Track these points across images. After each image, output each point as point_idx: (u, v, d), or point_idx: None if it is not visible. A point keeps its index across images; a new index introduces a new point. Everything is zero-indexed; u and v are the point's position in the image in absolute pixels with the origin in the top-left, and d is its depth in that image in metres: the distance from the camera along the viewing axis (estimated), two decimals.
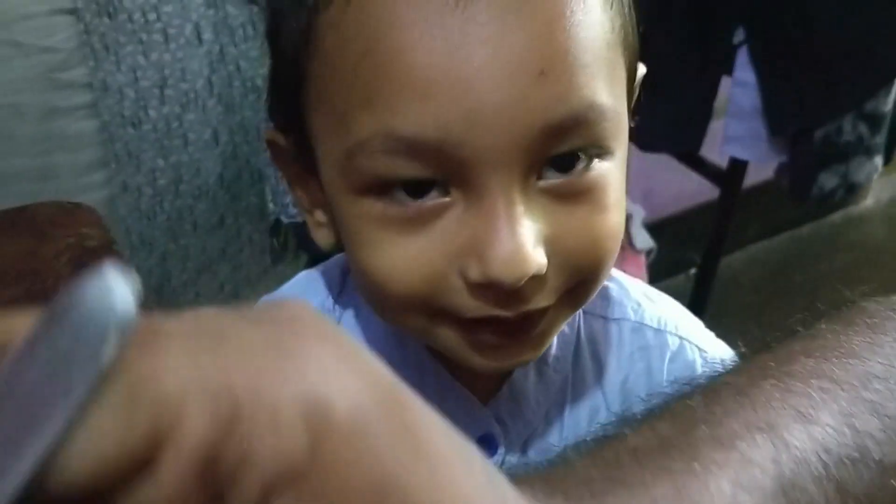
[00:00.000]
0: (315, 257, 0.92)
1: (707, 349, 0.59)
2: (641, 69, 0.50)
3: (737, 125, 1.35)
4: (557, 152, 0.40)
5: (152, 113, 0.94)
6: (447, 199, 0.41)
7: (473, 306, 0.42)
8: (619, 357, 0.59)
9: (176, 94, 0.94)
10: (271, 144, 0.52)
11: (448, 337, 0.45)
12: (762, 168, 1.52)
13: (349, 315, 0.57)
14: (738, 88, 1.33)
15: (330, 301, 0.59)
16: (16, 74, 0.84)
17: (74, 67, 0.87)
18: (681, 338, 0.59)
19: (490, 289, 0.40)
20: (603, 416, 0.58)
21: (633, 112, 0.52)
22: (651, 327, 0.58)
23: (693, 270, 1.74)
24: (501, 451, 0.55)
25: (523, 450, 0.56)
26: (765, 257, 2.27)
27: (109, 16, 0.87)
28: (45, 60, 0.85)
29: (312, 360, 0.16)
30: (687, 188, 1.78)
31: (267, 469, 0.15)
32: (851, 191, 1.38)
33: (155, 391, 0.15)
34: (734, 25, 1.31)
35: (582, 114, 0.40)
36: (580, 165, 0.41)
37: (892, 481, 0.24)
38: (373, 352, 0.44)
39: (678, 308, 0.62)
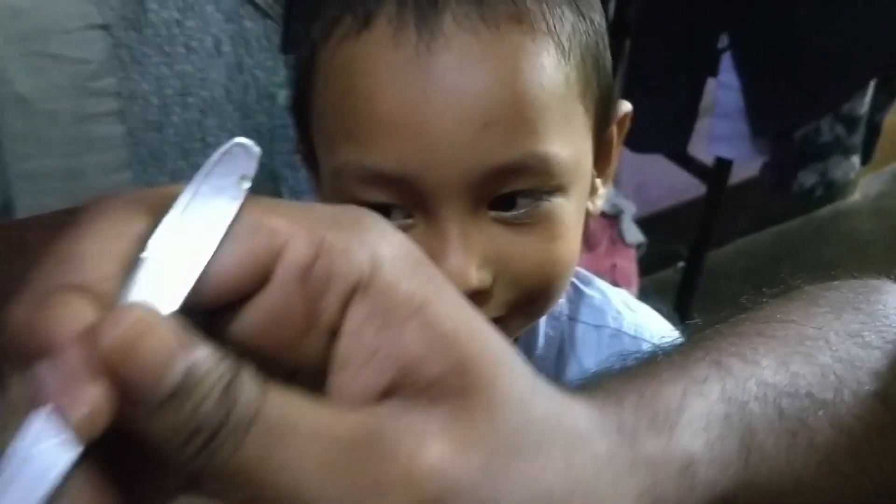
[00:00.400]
0: None
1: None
2: (626, 106, 0.54)
3: (722, 125, 1.41)
4: (502, 192, 0.45)
5: (175, 118, 0.99)
6: (410, 221, 0.46)
7: None
8: (597, 358, 0.63)
9: (196, 101, 1.00)
10: (298, 150, 0.57)
11: None
12: (751, 164, 1.55)
13: None
14: (723, 91, 1.38)
15: None
16: (52, 83, 0.90)
17: (104, 77, 0.93)
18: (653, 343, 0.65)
19: None
20: None
21: (625, 141, 0.57)
22: (628, 334, 0.63)
23: (681, 263, 1.76)
24: None
25: None
26: (754, 250, 2.29)
27: (137, 30, 0.93)
28: (78, 71, 0.91)
29: (372, 229, 0.23)
30: (677, 184, 1.82)
31: (344, 281, 0.22)
32: (830, 188, 1.43)
33: (270, 225, 0.22)
34: (719, 32, 1.35)
35: (521, 162, 0.45)
36: (522, 205, 0.46)
37: (820, 412, 0.30)
38: None
39: (654, 317, 0.67)
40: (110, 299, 0.20)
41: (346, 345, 0.22)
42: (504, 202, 0.46)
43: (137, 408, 0.19)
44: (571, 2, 0.47)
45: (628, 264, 1.60)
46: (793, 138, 1.38)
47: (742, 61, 1.36)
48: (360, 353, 0.22)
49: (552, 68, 0.45)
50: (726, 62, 1.37)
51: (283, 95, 1.02)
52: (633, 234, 1.63)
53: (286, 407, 0.21)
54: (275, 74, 1.04)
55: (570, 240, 0.50)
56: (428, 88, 0.43)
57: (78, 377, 0.18)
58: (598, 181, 0.55)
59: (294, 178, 1.09)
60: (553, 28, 0.45)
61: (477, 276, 0.45)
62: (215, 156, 0.23)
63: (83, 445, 0.18)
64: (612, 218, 1.62)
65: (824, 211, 2.41)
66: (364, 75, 0.44)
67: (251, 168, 0.22)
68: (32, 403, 0.19)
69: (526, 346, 0.61)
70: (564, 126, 0.46)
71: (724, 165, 1.52)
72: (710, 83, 1.42)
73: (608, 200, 1.63)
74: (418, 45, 0.43)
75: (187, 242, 0.21)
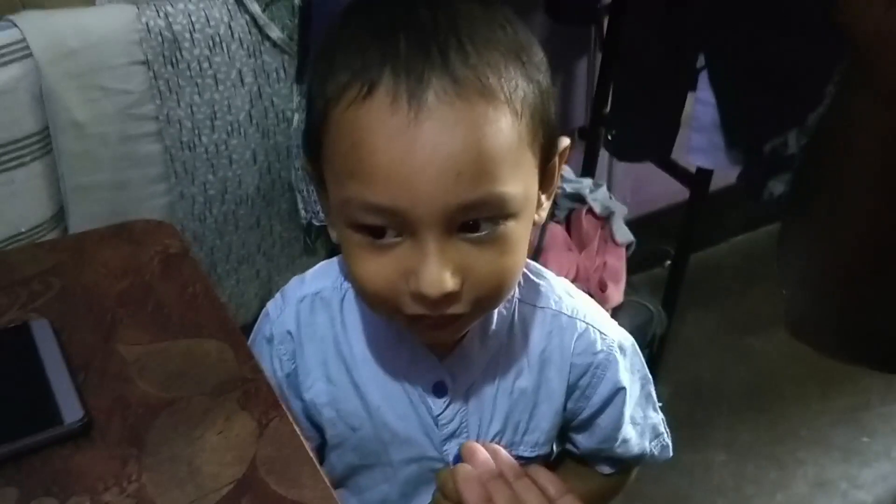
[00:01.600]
0: (333, 251, 1.02)
1: (607, 333, 0.75)
2: (565, 142, 0.65)
3: (699, 137, 1.46)
4: (469, 219, 0.56)
5: (204, 139, 1.08)
6: (399, 239, 0.57)
7: (413, 307, 0.59)
8: (540, 334, 0.74)
9: (223, 124, 1.08)
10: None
11: (402, 321, 0.62)
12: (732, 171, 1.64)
13: (351, 293, 0.72)
14: (700, 106, 1.44)
15: (338, 282, 0.73)
16: (102, 111, 0.99)
17: (145, 104, 1.02)
18: (587, 324, 0.74)
19: (421, 298, 0.57)
20: (525, 375, 0.74)
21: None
22: (566, 314, 0.74)
23: (668, 262, 1.80)
24: (449, 395, 0.72)
25: (465, 396, 0.72)
26: (746, 248, 2.30)
27: (173, 65, 1.01)
28: (123, 100, 1.00)
29: None
30: (669, 188, 1.83)
31: None
32: None
33: None
34: (697, 52, 1.42)
35: (483, 200, 0.55)
36: (484, 228, 0.57)
37: None
38: (369, 323, 0.67)
39: (590, 302, 0.77)
40: None
41: None
42: (470, 226, 0.57)
43: None
44: (523, 73, 0.57)
45: (618, 262, 1.63)
46: (762, 150, 1.43)
47: (716, 79, 1.42)
48: None
49: (508, 129, 0.55)
50: (703, 80, 1.43)
51: (297, 119, 1.08)
52: (624, 234, 1.66)
53: None
54: (290, 101, 1.11)
55: (519, 252, 0.61)
56: (415, 148, 0.53)
57: None
58: (543, 196, 0.65)
59: (308, 190, 1.17)
60: (509, 97, 0.55)
61: (450, 282, 0.57)
62: None
63: None
64: (604, 219, 1.65)
65: None
66: (368, 133, 0.54)
67: None
68: None
69: (483, 324, 0.70)
70: (516, 170, 0.57)
71: (704, 173, 1.58)
72: (690, 98, 1.48)
73: (601, 202, 1.71)
74: (409, 114, 0.53)
75: None
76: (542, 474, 0.60)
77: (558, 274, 1.56)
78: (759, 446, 1.82)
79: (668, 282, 1.80)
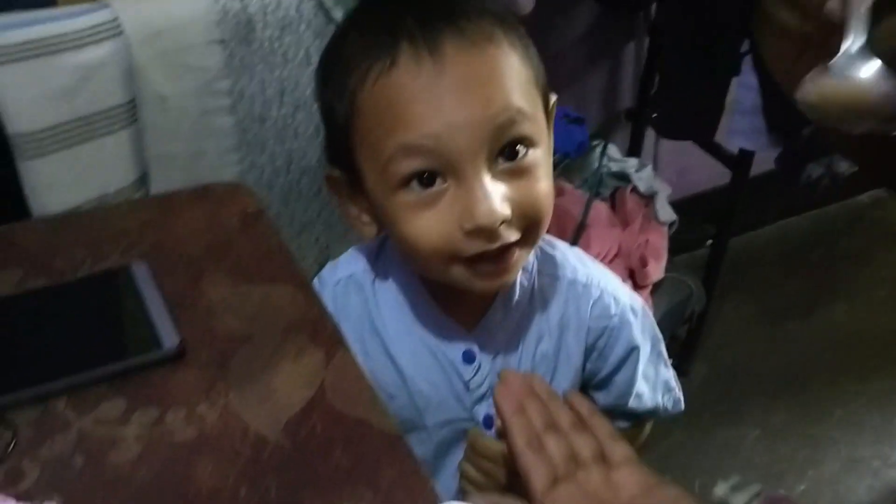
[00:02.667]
0: None
1: (620, 297, 0.80)
2: (553, 97, 0.71)
3: (741, 120, 1.51)
4: (504, 143, 0.63)
5: (274, 113, 1.15)
6: (446, 185, 0.63)
7: (471, 247, 0.64)
8: (558, 302, 0.79)
9: (291, 99, 1.15)
10: (329, 178, 0.73)
11: (459, 272, 0.67)
12: (772, 155, 1.62)
13: (381, 276, 0.79)
14: (743, 89, 1.49)
15: (369, 266, 0.80)
16: (183, 86, 1.07)
17: (221, 81, 1.09)
18: (601, 289, 0.80)
19: (479, 233, 0.63)
20: (545, 341, 0.79)
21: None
22: (581, 282, 0.80)
23: (709, 242, 1.84)
24: (477, 361, 0.77)
25: (492, 362, 0.77)
26: (787, 234, 2.33)
27: (247, 44, 1.08)
28: (202, 76, 1.08)
29: None
30: (713, 171, 1.85)
31: None
32: (835, 179, 1.54)
33: None
34: (742, 37, 1.46)
35: (513, 117, 0.62)
36: (520, 154, 0.64)
37: None
38: (401, 301, 0.75)
39: (602, 269, 0.83)
40: None
41: None
42: (506, 154, 0.64)
43: None
44: (517, 32, 0.66)
45: (659, 240, 1.67)
46: (802, 134, 1.48)
47: (759, 63, 1.44)
48: None
49: (518, 64, 0.64)
50: (747, 64, 1.48)
51: None
52: (667, 213, 1.70)
53: None
54: None
55: (547, 181, 0.68)
56: (446, 88, 0.61)
57: None
58: None
59: None
60: (513, 44, 0.65)
61: (504, 208, 0.63)
62: None
63: None
64: (648, 198, 1.69)
65: (864, 197, 2.43)
66: (401, 90, 0.62)
67: None
68: None
69: (507, 296, 0.77)
70: (529, 97, 0.65)
71: (746, 155, 1.63)
72: (734, 82, 1.51)
73: (645, 182, 1.75)
74: (434, 65, 0.61)
75: None
76: (576, 397, 0.66)
77: (601, 250, 1.62)
78: (792, 425, 1.86)
79: (707, 262, 1.84)
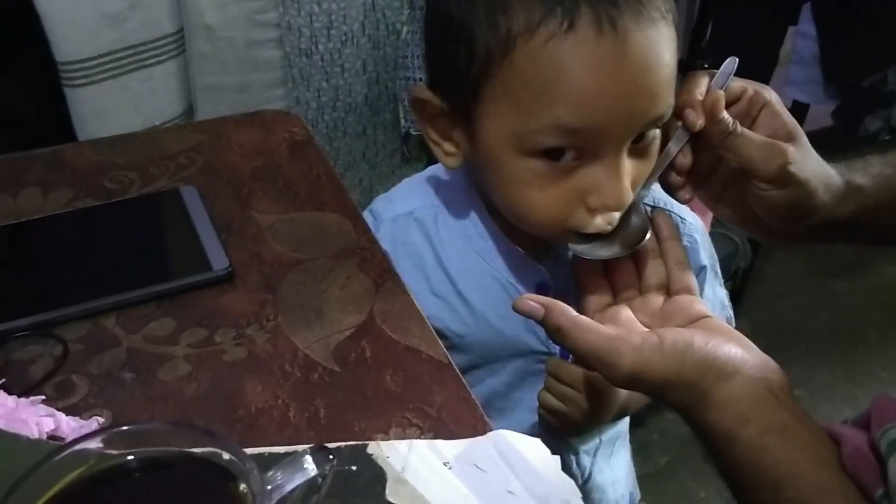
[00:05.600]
0: (430, 161, 1.03)
1: (686, 218, 0.77)
2: None
3: (797, 71, 1.50)
4: (643, 132, 0.60)
5: (321, 47, 1.14)
6: (577, 162, 0.59)
7: (591, 224, 0.62)
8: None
9: (338, 33, 1.14)
10: (417, 101, 0.66)
11: (564, 240, 0.64)
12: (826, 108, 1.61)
13: (444, 210, 0.75)
14: (800, 39, 1.47)
15: (430, 200, 0.75)
16: (231, 16, 1.06)
17: (269, 11, 1.08)
18: (671, 212, 0.72)
19: (604, 212, 0.61)
20: None
21: (682, 70, 0.73)
22: (651, 206, 0.73)
23: None
24: (551, 292, 0.73)
25: (564, 295, 0.69)
26: None
27: None
28: (249, 6, 1.07)
29: None
30: None
31: None
32: (894, 133, 1.50)
33: None
34: None
35: (665, 112, 0.59)
36: (648, 137, 0.60)
37: None
38: (465, 237, 0.73)
39: (663, 192, 0.74)
40: None
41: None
42: (639, 137, 0.60)
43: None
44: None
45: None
46: (860, 85, 1.44)
47: (819, 12, 1.43)
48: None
49: (674, 46, 0.59)
50: (806, 13, 1.45)
51: (406, 31, 1.15)
52: None
53: None
54: (401, 13, 1.17)
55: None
56: (621, 71, 0.56)
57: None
58: None
59: (409, 99, 1.22)
60: (672, 20, 0.59)
61: (630, 197, 0.61)
62: None
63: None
64: None
65: None
66: (576, 62, 0.56)
67: None
68: None
69: None
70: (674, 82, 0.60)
71: (800, 108, 1.59)
72: (790, 33, 1.50)
73: None
74: (615, 41, 0.55)
75: None
76: (661, 215, 0.64)
77: None
78: (835, 385, 1.83)
79: None
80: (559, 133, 0.58)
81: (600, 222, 0.61)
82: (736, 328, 0.86)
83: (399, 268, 0.69)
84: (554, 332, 0.55)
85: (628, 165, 0.60)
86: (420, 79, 1.19)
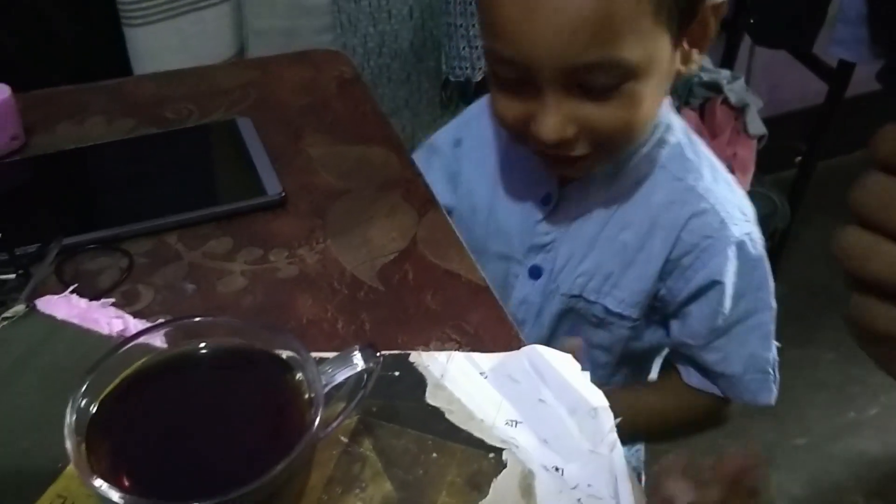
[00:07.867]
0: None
1: (730, 225, 0.72)
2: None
3: (844, 29, 1.46)
4: (585, 80, 0.62)
5: None
6: (526, 88, 0.65)
7: (535, 144, 0.68)
8: (662, 200, 0.74)
9: None
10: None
11: (531, 150, 0.70)
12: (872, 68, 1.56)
13: (477, 123, 0.84)
14: None
15: (472, 114, 0.85)
16: None
17: None
18: (713, 207, 0.72)
19: (540, 141, 0.66)
20: (631, 231, 0.75)
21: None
22: (698, 192, 0.74)
23: (799, 158, 1.79)
24: (552, 205, 0.77)
25: (568, 223, 0.77)
26: None
27: None
28: None
29: None
30: (808, 88, 1.84)
31: None
32: None
33: None
34: None
35: (599, 62, 0.61)
36: (602, 89, 0.62)
37: None
38: (502, 142, 0.83)
39: (733, 193, 0.75)
40: None
41: None
42: (588, 87, 0.63)
43: None
44: None
45: (748, 154, 1.64)
46: None
47: None
48: None
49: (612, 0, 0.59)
50: None
51: None
52: (757, 127, 1.65)
53: None
54: None
55: (642, 108, 0.65)
56: (536, 9, 0.60)
57: None
58: (694, 51, 0.68)
59: (449, 45, 1.23)
60: None
61: (565, 130, 0.65)
62: None
63: None
64: (738, 110, 1.64)
65: None
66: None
67: None
68: None
69: (605, 171, 0.75)
70: (636, 35, 0.60)
71: (845, 67, 1.58)
72: None
73: (737, 94, 1.71)
74: None
75: None
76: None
77: None
78: None
79: (794, 180, 1.82)
80: (498, 60, 0.65)
81: (540, 145, 0.67)
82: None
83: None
84: None
85: (565, 105, 0.64)
86: (460, 24, 1.22)
